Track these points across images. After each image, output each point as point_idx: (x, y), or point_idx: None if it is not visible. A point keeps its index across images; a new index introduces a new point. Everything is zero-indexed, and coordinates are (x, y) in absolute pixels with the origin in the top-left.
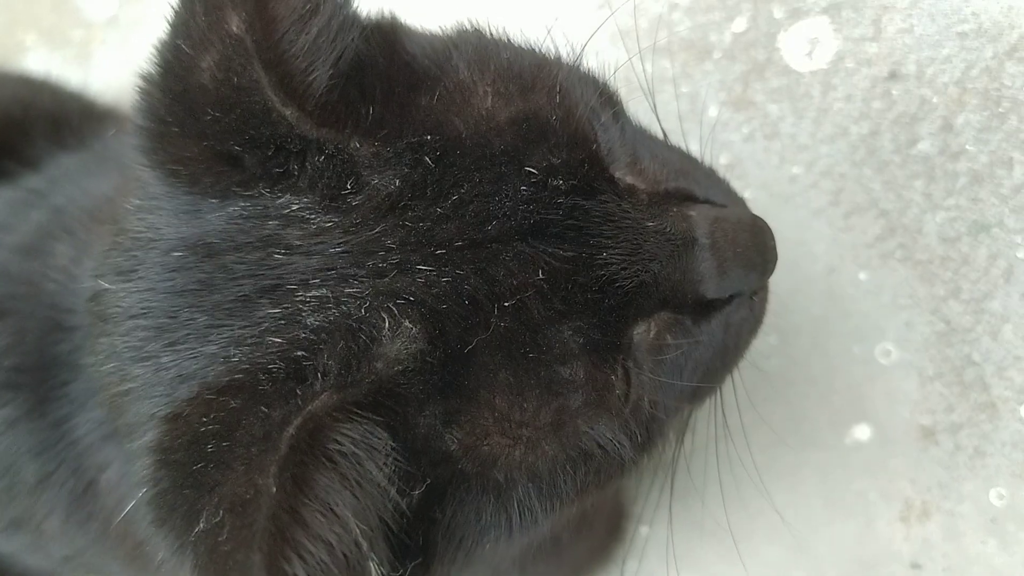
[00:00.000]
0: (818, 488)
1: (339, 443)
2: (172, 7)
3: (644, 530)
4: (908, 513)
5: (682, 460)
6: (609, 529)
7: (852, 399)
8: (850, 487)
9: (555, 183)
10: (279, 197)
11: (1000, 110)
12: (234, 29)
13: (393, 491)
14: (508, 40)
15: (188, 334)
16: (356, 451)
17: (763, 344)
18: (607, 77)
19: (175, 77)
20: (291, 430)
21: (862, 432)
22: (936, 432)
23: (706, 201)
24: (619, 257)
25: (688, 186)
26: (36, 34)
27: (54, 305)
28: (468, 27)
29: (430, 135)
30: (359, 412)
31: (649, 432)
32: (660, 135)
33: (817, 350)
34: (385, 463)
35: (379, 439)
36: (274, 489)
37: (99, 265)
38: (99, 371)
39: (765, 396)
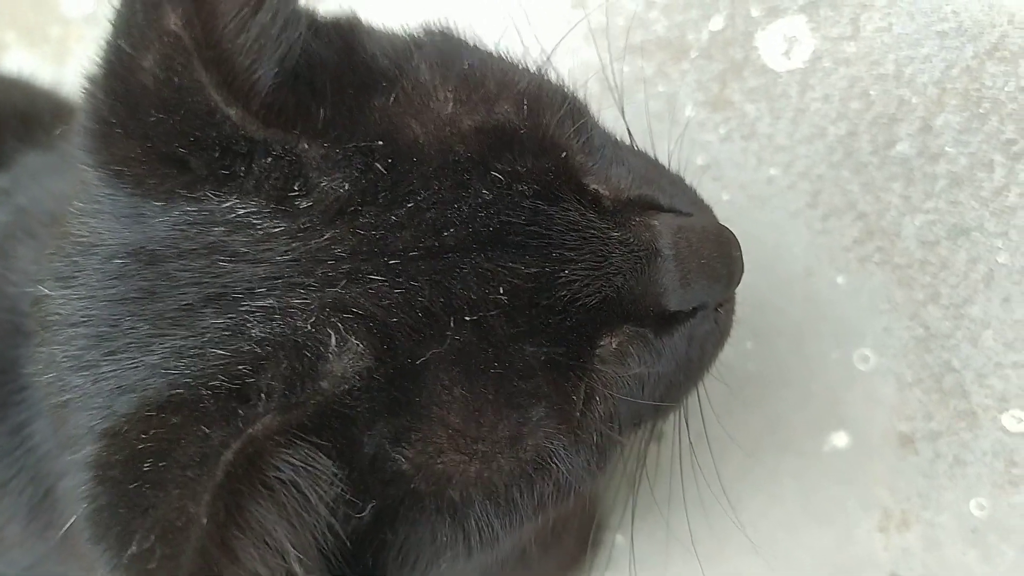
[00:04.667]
0: (796, 495)
1: (279, 469)
2: (114, 6)
3: (616, 539)
4: (887, 522)
5: (647, 475)
6: (580, 540)
7: (830, 405)
8: (828, 495)
9: (520, 188)
10: (225, 201)
11: (980, 111)
12: (172, 27)
13: (336, 518)
14: (475, 44)
15: (129, 343)
16: (296, 478)
17: (739, 349)
18: (574, 85)
19: (117, 78)
20: (229, 455)
21: (840, 439)
22: (915, 440)
23: (671, 209)
24: (582, 272)
25: (652, 194)
26: (15, 32)
27: (13, 308)
28: (434, 27)
29: (382, 140)
30: (302, 436)
31: (608, 447)
32: (627, 140)
33: (794, 355)
34: (327, 489)
35: (322, 464)
36: (204, 520)
37: (40, 270)
38: (39, 380)
39: (740, 402)
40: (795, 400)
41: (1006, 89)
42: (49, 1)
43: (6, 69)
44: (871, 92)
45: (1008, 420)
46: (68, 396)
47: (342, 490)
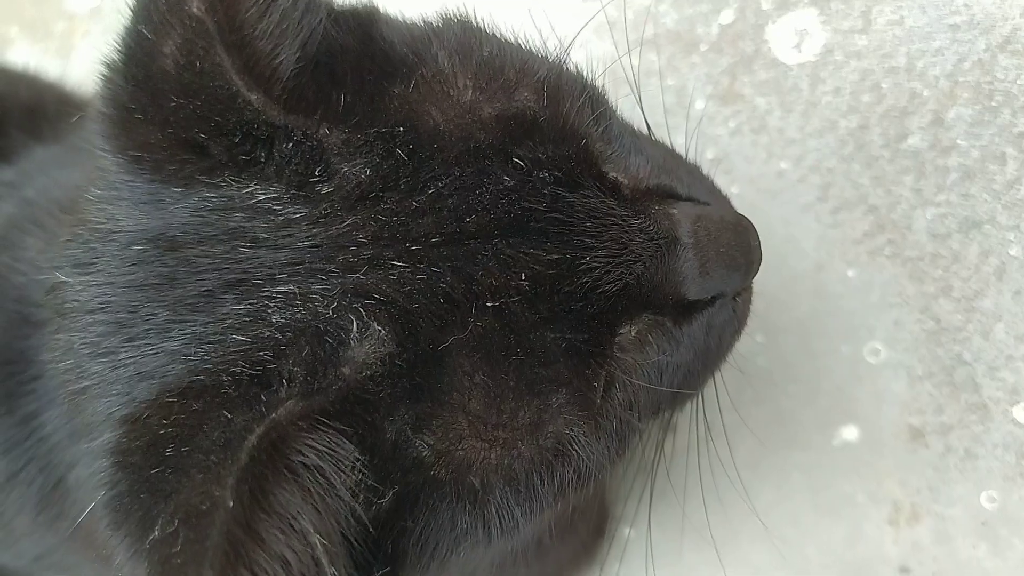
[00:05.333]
0: (805, 489)
1: (303, 454)
2: None
3: (628, 531)
4: (897, 516)
5: (664, 462)
6: (593, 531)
7: (840, 399)
8: (838, 489)
9: (541, 175)
10: (245, 186)
11: (992, 104)
12: (195, 11)
13: (358, 504)
14: (494, 33)
15: (148, 329)
16: (320, 463)
17: (749, 343)
18: (593, 74)
19: (137, 63)
20: (253, 439)
21: (850, 433)
22: (926, 433)
23: (689, 199)
24: (603, 260)
25: (671, 183)
26: (19, 26)
27: (22, 299)
28: (453, 16)
29: (402, 126)
30: (325, 421)
31: (628, 434)
32: (644, 130)
33: (804, 349)
34: (350, 474)
35: (344, 450)
36: (231, 503)
37: (57, 257)
38: (56, 368)
39: (751, 396)
40: (805, 394)
41: (1018, 82)
42: None
43: (12, 63)
44: (883, 85)
45: (1019, 413)
46: (87, 383)
47: (364, 476)
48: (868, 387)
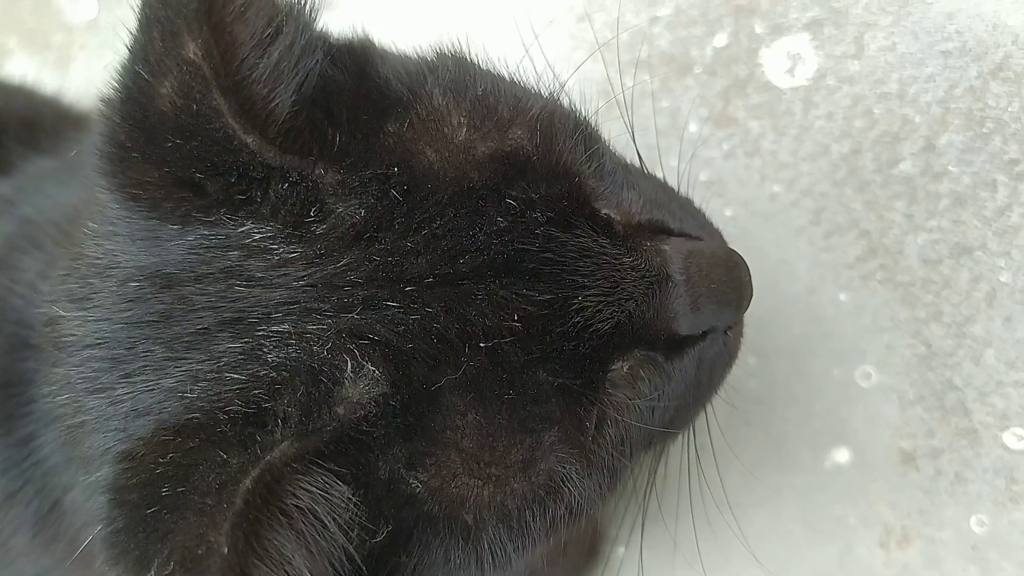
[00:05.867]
0: (797, 511)
1: (296, 497)
2: (131, 32)
3: (622, 551)
4: (888, 539)
5: (657, 487)
6: (586, 552)
7: (832, 422)
8: (829, 511)
9: (534, 215)
10: (242, 225)
11: (984, 131)
12: (191, 56)
13: (352, 542)
14: (488, 68)
15: (145, 366)
16: (313, 505)
17: (742, 365)
18: (587, 102)
19: (134, 103)
20: (248, 483)
21: (842, 455)
22: (916, 457)
23: (681, 233)
24: (595, 299)
25: (662, 218)
26: (17, 38)
27: (20, 321)
28: (447, 50)
29: (397, 167)
30: (319, 462)
31: (619, 469)
32: (636, 161)
33: (797, 372)
34: (343, 515)
35: (338, 491)
36: (225, 549)
37: (54, 290)
38: (53, 401)
39: (743, 418)
40: (797, 416)
41: (1009, 109)
42: (52, 8)
43: (9, 75)
44: (875, 111)
45: (1009, 438)
46: (84, 418)
47: (358, 514)
48: (860, 410)
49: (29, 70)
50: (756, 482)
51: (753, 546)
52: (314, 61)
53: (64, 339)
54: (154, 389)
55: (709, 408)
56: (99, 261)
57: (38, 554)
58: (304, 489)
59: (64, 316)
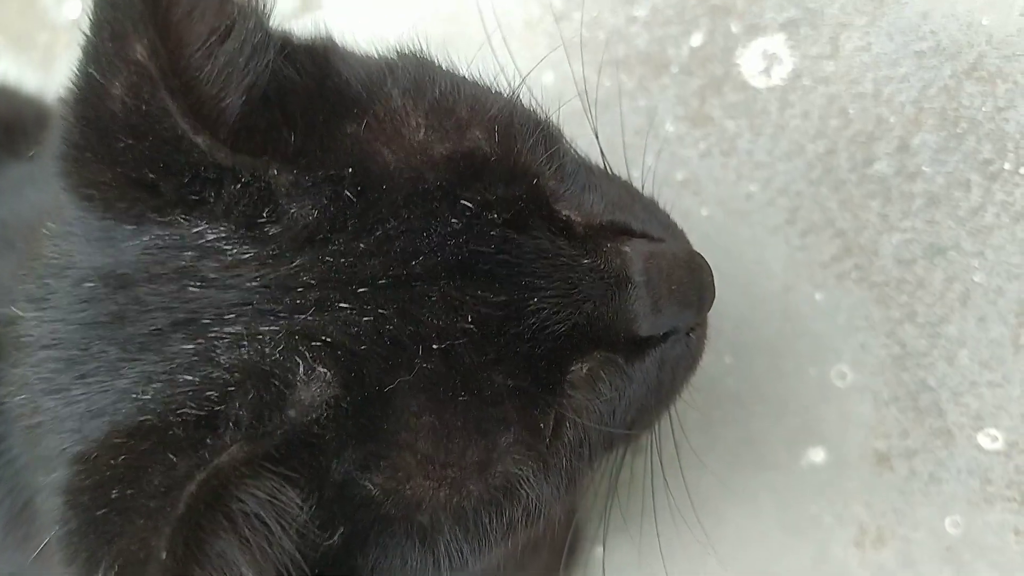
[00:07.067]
0: (772, 510)
1: (242, 502)
2: (84, 33)
3: (598, 551)
4: (863, 538)
5: (628, 485)
6: (557, 552)
7: (807, 420)
8: (805, 510)
9: (490, 216)
10: (196, 225)
11: (958, 131)
12: (138, 56)
13: (304, 545)
14: (448, 68)
15: (99, 367)
16: (260, 511)
17: (717, 364)
18: (548, 107)
19: (87, 104)
20: (192, 487)
21: (817, 455)
22: (891, 457)
23: (643, 235)
24: (551, 300)
25: (624, 219)
26: (4, 37)
27: None
28: (408, 50)
29: (351, 168)
30: (269, 466)
31: (578, 472)
32: (601, 163)
33: (772, 370)
34: (292, 521)
35: (287, 496)
36: (163, 555)
37: (12, 291)
38: (12, 402)
39: (719, 416)
40: (773, 415)
41: (983, 109)
42: (37, 7)
43: None
44: (850, 110)
45: (983, 439)
46: (40, 418)
47: (309, 518)
48: (835, 409)
49: (12, 70)
50: (730, 480)
51: (726, 545)
52: (266, 61)
53: (22, 339)
54: (108, 390)
55: (678, 410)
56: (55, 261)
57: (11, 553)
58: (251, 494)
59: (22, 316)
